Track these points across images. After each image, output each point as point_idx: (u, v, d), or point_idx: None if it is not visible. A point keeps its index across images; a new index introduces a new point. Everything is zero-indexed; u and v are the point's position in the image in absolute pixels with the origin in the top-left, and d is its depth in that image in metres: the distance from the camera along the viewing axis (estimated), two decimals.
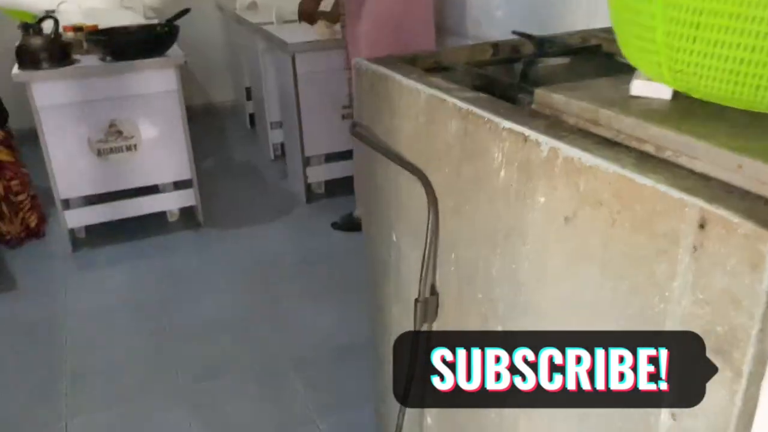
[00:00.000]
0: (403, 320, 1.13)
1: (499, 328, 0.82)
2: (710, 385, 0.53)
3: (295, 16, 3.10)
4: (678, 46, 0.59)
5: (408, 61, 1.08)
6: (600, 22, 1.27)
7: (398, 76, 0.97)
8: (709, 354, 0.53)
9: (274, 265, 2.99)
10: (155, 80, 2.94)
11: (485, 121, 0.77)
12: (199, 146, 3.27)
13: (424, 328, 0.99)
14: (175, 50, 2.99)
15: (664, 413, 0.58)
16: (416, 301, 0.95)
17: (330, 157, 3.40)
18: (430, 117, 0.90)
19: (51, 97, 2.78)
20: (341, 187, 3.48)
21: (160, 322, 2.57)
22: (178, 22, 2.97)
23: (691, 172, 0.57)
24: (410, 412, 1.12)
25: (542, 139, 0.68)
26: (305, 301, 2.68)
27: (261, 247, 3.16)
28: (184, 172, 3.16)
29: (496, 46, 1.16)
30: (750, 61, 0.56)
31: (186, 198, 3.24)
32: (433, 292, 0.96)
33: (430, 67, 1.10)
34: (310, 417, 2.06)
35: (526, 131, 0.70)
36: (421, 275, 0.95)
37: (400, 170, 1.00)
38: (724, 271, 0.50)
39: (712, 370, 0.53)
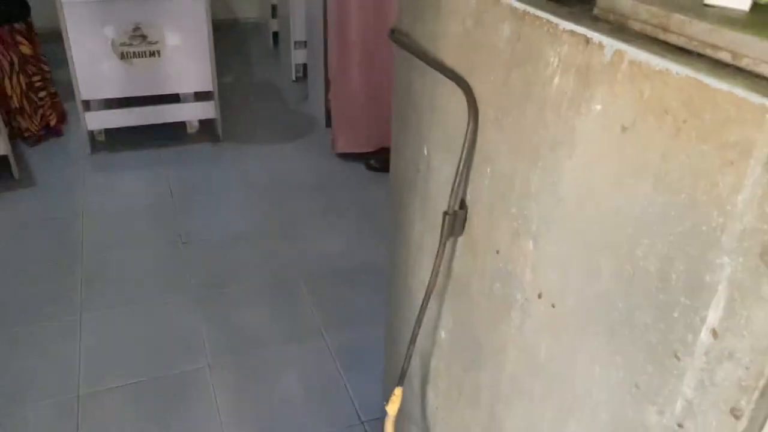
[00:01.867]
0: (425, 238, 1.11)
1: (530, 245, 0.80)
2: (757, 304, 0.51)
3: None
4: None
5: None
6: None
7: None
8: (766, 271, 0.50)
9: (290, 184, 2.97)
10: None
11: (543, 23, 0.72)
12: (222, 61, 3.21)
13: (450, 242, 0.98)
14: None
15: (704, 331, 0.56)
16: (445, 213, 0.93)
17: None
18: (479, 19, 0.85)
19: None
20: None
21: (174, 229, 2.59)
22: None
23: None
24: (425, 327, 1.11)
25: (606, 41, 0.64)
26: (319, 221, 2.68)
27: (278, 166, 3.14)
28: (206, 83, 3.11)
29: None
30: None
31: (206, 110, 3.20)
32: (463, 206, 0.94)
33: None
34: (317, 329, 2.08)
35: (589, 33, 0.66)
36: (453, 187, 0.92)
37: (439, 79, 0.95)
38: None
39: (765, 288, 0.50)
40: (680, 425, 0.61)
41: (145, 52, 2.96)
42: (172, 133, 3.26)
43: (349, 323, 2.11)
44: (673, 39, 0.62)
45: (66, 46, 2.81)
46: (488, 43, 0.83)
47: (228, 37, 4.66)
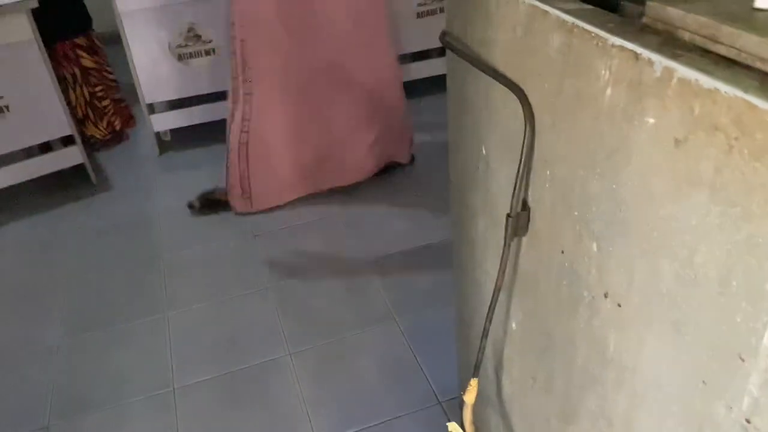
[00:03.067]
0: (489, 233, 1.15)
1: (594, 247, 0.83)
2: None
3: None
4: None
5: None
6: None
7: None
8: None
9: None
10: None
11: (592, 36, 0.74)
12: None
13: (514, 242, 1.02)
14: None
15: (767, 336, 0.59)
16: (508, 215, 0.97)
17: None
18: (529, 29, 0.87)
19: (133, 2, 2.82)
20: (420, 87, 3.43)
21: (243, 223, 2.71)
22: None
23: None
24: (496, 318, 1.17)
25: (655, 58, 0.66)
26: (382, 204, 2.75)
27: None
28: None
29: None
30: None
31: None
32: (525, 207, 0.97)
33: None
34: (389, 314, 2.16)
35: (638, 49, 0.68)
36: (514, 190, 0.96)
37: (493, 83, 0.98)
38: None
39: None
40: (748, 420, 0.65)
41: (200, 51, 3.07)
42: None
43: (419, 306, 2.18)
44: (723, 51, 0.64)
45: (127, 53, 2.94)
46: (540, 52, 0.86)
47: None
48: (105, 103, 3.31)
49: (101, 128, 3.32)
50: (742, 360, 0.63)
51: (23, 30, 2.59)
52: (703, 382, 0.70)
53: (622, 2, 0.83)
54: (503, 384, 1.23)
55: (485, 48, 1.00)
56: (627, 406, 0.85)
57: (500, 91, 0.97)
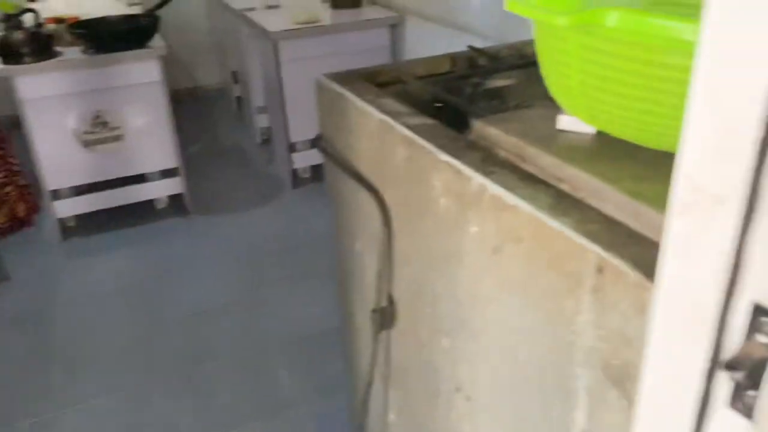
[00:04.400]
0: (366, 324, 1.19)
1: (446, 342, 0.88)
2: (612, 411, 0.59)
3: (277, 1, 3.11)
4: (591, 94, 0.64)
5: (368, 77, 1.12)
6: None
7: (353, 97, 1.01)
8: (608, 383, 0.59)
9: (261, 250, 3.05)
10: (138, 71, 2.96)
11: (426, 152, 0.82)
12: (186, 130, 3.30)
13: (383, 335, 1.05)
14: (157, 40, 3.00)
15: (577, 430, 0.64)
16: (373, 310, 1.01)
17: (316, 143, 3.42)
18: (381, 139, 0.94)
19: (35, 90, 2.80)
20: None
21: (150, 309, 2.64)
22: (163, 9, 2.98)
23: (601, 214, 0.62)
24: (376, 409, 1.19)
25: (472, 174, 0.73)
26: (292, 286, 2.75)
27: (248, 233, 3.22)
28: (171, 160, 3.20)
29: (453, 58, 1.20)
30: (654, 113, 0.61)
31: (173, 186, 3.28)
32: (391, 302, 1.02)
33: (390, 81, 1.14)
34: (294, 401, 2.14)
35: (459, 165, 0.75)
36: (376, 286, 1.00)
37: (359, 186, 1.04)
38: (617, 313, 0.56)
39: (613, 397, 0.59)
40: None
41: (107, 137, 3.05)
42: (141, 211, 3.34)
43: (327, 392, 2.16)
44: (529, 168, 0.72)
45: (29, 140, 2.89)
46: (391, 161, 0.93)
47: (191, 105, 4.77)
48: (8, 189, 3.21)
49: (2, 216, 3.20)
50: None
51: None
52: None
53: (467, 113, 0.92)
54: None
55: (350, 153, 1.07)
56: None
57: (364, 193, 1.03)
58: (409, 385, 1.05)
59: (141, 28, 2.96)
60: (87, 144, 3.02)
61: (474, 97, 0.94)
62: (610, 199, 0.62)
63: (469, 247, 0.76)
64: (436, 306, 0.88)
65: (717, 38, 0.36)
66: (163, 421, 2.06)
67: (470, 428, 0.86)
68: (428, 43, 3.08)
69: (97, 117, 3.00)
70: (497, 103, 0.89)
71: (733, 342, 0.41)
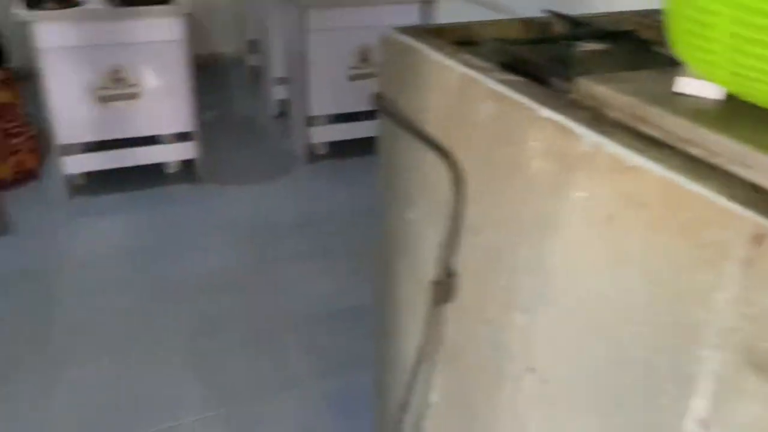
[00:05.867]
0: (413, 300, 1.12)
1: (521, 318, 0.81)
2: (747, 400, 0.53)
3: None
4: (744, 49, 0.57)
5: (434, 33, 1.05)
6: (625, 4, 1.24)
7: (429, 51, 0.93)
8: (748, 368, 0.52)
9: (271, 224, 2.97)
10: (160, 28, 2.87)
11: (522, 108, 0.75)
12: (200, 97, 3.20)
13: (439, 309, 0.99)
14: None
15: (691, 420, 0.58)
16: (433, 282, 0.94)
17: (334, 118, 3.35)
18: (461, 96, 0.87)
19: (54, 39, 2.71)
20: (343, 149, 3.45)
21: (154, 274, 2.57)
22: None
23: (745, 181, 0.56)
24: (417, 389, 1.12)
25: (584, 132, 0.66)
26: (302, 262, 2.68)
27: (259, 205, 3.14)
28: (186, 124, 3.11)
29: (526, 23, 1.12)
30: None
31: (186, 150, 3.20)
32: (452, 274, 0.95)
33: (457, 41, 1.06)
34: (303, 379, 2.07)
35: (567, 122, 0.68)
36: (439, 257, 0.93)
37: (424, 148, 0.97)
38: None
39: (751, 384, 0.52)
40: None
41: (123, 95, 2.96)
42: (151, 175, 3.25)
43: (337, 371, 2.10)
44: (650, 130, 0.65)
45: (43, 91, 2.80)
46: (472, 119, 0.86)
47: (206, 72, 4.67)
48: (17, 140, 3.12)
49: (9, 167, 3.11)
50: None
51: None
52: None
53: (551, 78, 0.85)
54: None
55: (418, 112, 1.00)
56: None
57: (431, 156, 0.96)
58: (461, 363, 0.99)
59: None
60: (102, 100, 2.93)
61: (568, 59, 0.87)
62: (759, 165, 0.55)
63: (570, 214, 0.70)
64: (513, 279, 0.82)
65: None
66: (164, 393, 1.99)
67: (542, 413, 0.80)
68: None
69: (115, 72, 2.91)
70: (595, 68, 0.82)
71: None
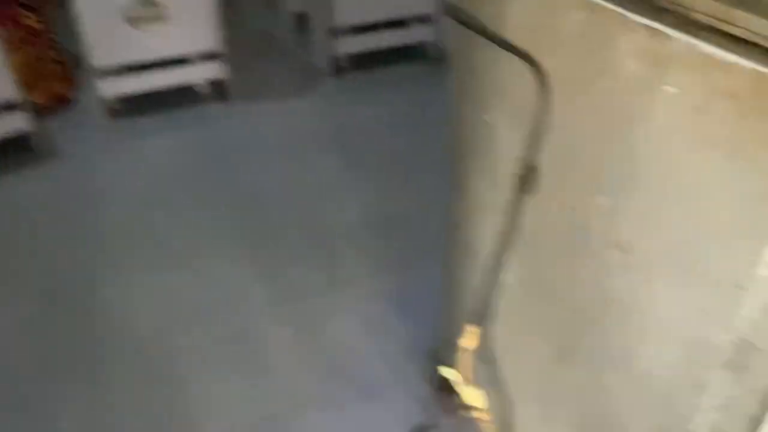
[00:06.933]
0: (489, 195, 1.25)
1: (602, 200, 0.95)
2: None
3: None
4: None
5: None
6: None
7: None
8: None
9: (306, 139, 3.07)
10: None
11: (613, 14, 0.84)
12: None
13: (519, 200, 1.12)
14: None
15: (763, 265, 0.72)
16: (517, 174, 1.07)
17: (359, 29, 3.36)
18: (548, 6, 0.96)
19: None
20: (365, 61, 3.48)
21: (205, 191, 2.70)
22: None
23: None
24: (494, 273, 1.27)
25: (676, 34, 0.77)
26: (343, 173, 2.80)
27: (292, 120, 3.23)
28: (213, 42, 3.15)
29: None
30: None
31: (214, 69, 3.25)
32: (533, 168, 1.08)
33: None
34: (358, 279, 2.25)
35: (659, 26, 0.78)
36: (523, 151, 1.05)
37: (502, 55, 1.07)
38: None
39: None
40: (743, 340, 0.78)
41: (152, 16, 2.99)
42: (182, 98, 3.32)
43: (390, 269, 2.27)
44: (736, 32, 0.75)
45: (74, 15, 2.83)
46: (558, 26, 0.95)
47: None
48: (50, 66, 3.17)
49: (44, 94, 3.18)
50: (742, 288, 0.76)
51: None
52: (703, 311, 0.83)
53: None
54: (494, 332, 1.35)
55: (498, 21, 1.09)
56: (627, 341, 0.98)
57: (510, 62, 1.06)
58: (540, 247, 1.13)
59: None
60: (133, 21, 2.96)
61: None
62: None
63: (659, 110, 0.81)
64: (598, 168, 0.94)
65: None
66: (230, 295, 2.17)
67: (623, 280, 0.95)
68: None
69: None
70: None
71: None
